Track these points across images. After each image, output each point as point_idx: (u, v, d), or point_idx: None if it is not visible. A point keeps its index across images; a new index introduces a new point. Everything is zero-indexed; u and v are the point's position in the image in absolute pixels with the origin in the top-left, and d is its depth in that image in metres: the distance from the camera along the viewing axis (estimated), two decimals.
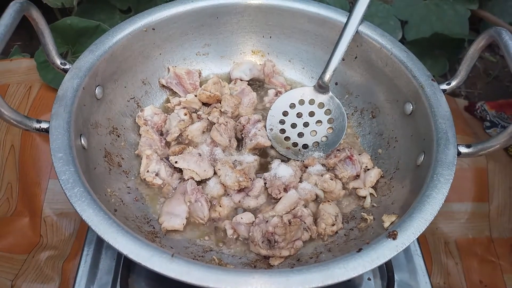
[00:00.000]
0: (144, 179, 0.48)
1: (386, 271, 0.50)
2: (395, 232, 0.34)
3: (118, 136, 0.51)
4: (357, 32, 0.53)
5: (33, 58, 0.76)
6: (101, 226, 0.33)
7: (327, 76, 0.53)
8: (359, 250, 0.34)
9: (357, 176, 0.51)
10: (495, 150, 0.40)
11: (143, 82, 0.56)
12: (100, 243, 0.51)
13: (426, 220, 0.36)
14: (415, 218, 0.36)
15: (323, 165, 0.53)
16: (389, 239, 0.34)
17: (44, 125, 0.41)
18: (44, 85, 0.75)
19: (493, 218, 0.76)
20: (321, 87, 0.54)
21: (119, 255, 0.51)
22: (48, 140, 0.69)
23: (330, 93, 0.55)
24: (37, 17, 0.43)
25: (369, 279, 0.52)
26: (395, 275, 0.50)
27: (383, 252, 0.33)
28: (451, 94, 0.92)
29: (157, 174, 0.48)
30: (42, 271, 0.62)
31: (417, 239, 0.55)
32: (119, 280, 0.47)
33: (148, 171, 0.47)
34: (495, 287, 0.70)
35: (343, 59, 0.53)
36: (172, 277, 0.31)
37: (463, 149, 0.41)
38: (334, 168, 0.52)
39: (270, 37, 0.61)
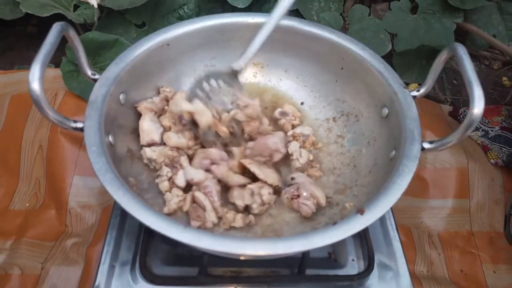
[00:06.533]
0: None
1: (368, 254, 0.58)
2: (362, 209, 0.42)
3: (138, 136, 0.59)
4: (342, 46, 0.62)
5: (59, 68, 0.85)
6: (129, 204, 0.42)
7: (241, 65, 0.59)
8: (334, 223, 0.42)
9: None
10: (453, 145, 0.47)
11: (158, 90, 0.65)
12: (121, 227, 0.60)
13: (390, 201, 0.43)
14: (381, 200, 0.44)
15: None
16: (358, 214, 0.42)
17: (79, 125, 0.49)
18: (68, 92, 0.84)
19: (474, 213, 0.83)
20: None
21: (138, 238, 0.59)
22: (72, 141, 0.79)
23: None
24: (73, 35, 0.52)
25: (353, 260, 0.59)
26: (375, 256, 0.57)
27: (354, 225, 0.41)
28: (437, 101, 1.00)
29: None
30: (68, 255, 0.70)
31: (397, 228, 0.64)
32: (138, 258, 0.55)
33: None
34: (474, 275, 0.77)
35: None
36: (185, 242, 0.39)
37: (426, 145, 0.49)
38: None
39: (269, 51, 0.69)
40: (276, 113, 0.68)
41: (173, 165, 0.57)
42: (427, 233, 0.82)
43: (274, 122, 0.68)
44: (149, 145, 0.58)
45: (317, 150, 0.65)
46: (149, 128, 0.59)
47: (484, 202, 0.84)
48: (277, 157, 0.60)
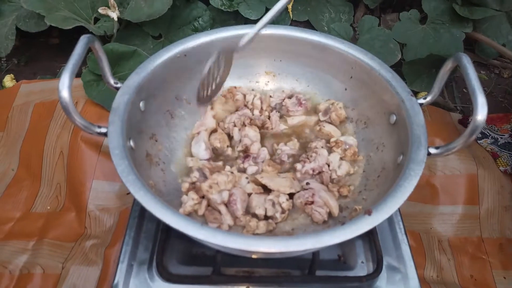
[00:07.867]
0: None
1: (376, 256, 0.60)
2: (370, 210, 0.44)
3: (156, 141, 0.63)
4: (351, 56, 0.65)
5: (79, 78, 0.89)
6: (150, 203, 0.44)
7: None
8: (343, 224, 0.44)
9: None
10: (458, 150, 0.49)
11: (176, 98, 0.68)
12: (139, 228, 0.63)
13: (396, 203, 0.45)
14: (388, 201, 0.46)
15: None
16: (366, 215, 0.44)
17: (103, 130, 0.52)
18: (88, 100, 0.88)
19: (483, 219, 0.83)
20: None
21: (155, 238, 0.62)
22: (91, 147, 0.83)
23: None
24: (98, 47, 0.56)
25: (362, 262, 0.61)
26: (383, 259, 0.59)
27: (361, 225, 0.43)
28: (447, 109, 1.01)
29: None
30: (87, 256, 0.73)
31: (405, 231, 0.65)
32: (155, 257, 0.58)
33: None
34: (484, 281, 0.77)
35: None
36: (201, 239, 0.42)
37: (432, 150, 0.51)
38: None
39: (280, 60, 0.72)
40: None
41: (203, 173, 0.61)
42: (437, 239, 0.82)
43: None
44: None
45: (356, 162, 0.65)
46: (196, 152, 0.65)
47: (493, 208, 0.84)
48: (324, 181, 0.62)
